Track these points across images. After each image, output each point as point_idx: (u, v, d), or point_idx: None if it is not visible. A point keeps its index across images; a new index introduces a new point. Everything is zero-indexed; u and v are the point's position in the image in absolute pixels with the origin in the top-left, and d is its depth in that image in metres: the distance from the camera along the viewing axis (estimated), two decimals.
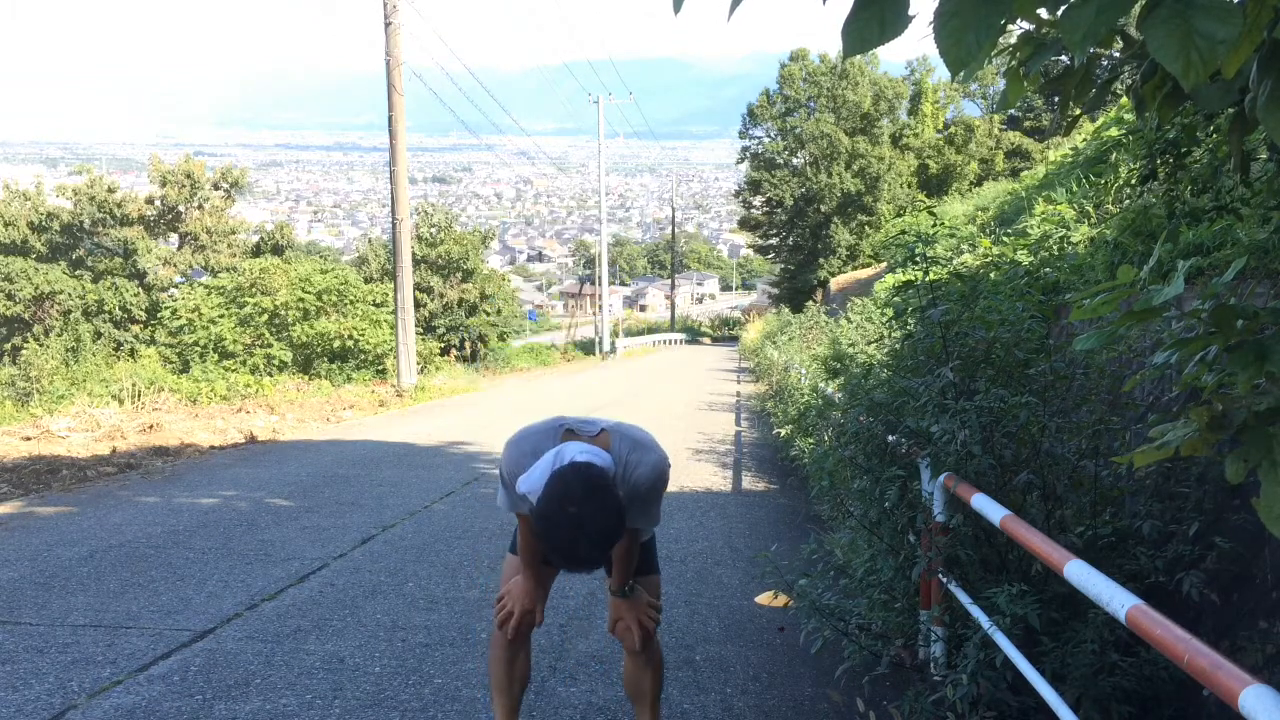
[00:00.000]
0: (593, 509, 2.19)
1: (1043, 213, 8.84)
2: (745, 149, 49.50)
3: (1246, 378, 1.76)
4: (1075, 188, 9.06)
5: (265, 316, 23.92)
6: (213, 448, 10.65)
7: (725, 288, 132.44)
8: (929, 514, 3.50)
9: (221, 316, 24.25)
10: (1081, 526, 3.20)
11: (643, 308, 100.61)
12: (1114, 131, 10.10)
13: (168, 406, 14.33)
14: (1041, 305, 6.00)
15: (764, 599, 5.01)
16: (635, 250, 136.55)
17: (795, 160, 47.26)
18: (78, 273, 30.55)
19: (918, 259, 4.21)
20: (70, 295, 29.15)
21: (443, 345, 30.30)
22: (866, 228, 42.86)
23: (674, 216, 70.60)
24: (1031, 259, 7.43)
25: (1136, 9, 1.58)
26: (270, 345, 23.73)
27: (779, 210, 47.49)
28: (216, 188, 33.28)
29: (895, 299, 4.17)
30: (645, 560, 2.88)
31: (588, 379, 25.85)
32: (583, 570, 2.31)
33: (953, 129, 45.41)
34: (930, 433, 3.51)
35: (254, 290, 24.31)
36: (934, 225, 17.74)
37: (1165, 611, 1.85)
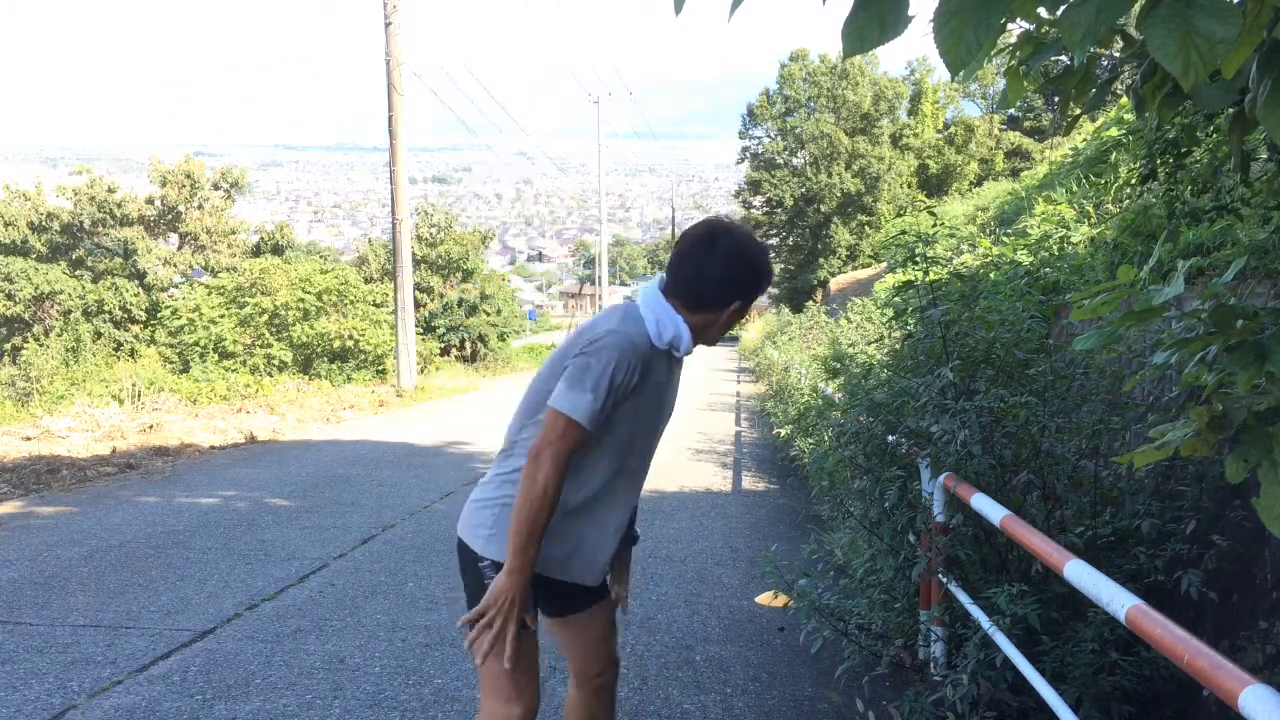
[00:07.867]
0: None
1: (1043, 213, 8.84)
2: (745, 149, 49.43)
3: (1246, 378, 1.76)
4: (1075, 188, 9.05)
5: (265, 316, 23.91)
6: (213, 448, 10.65)
7: None
8: (929, 514, 3.50)
9: (222, 316, 24.25)
10: (1081, 526, 3.20)
11: None
12: (1114, 131, 10.11)
13: (168, 406, 14.35)
14: (1041, 305, 6.00)
15: (764, 599, 5.01)
16: (635, 250, 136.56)
17: (795, 160, 47.20)
18: (78, 273, 30.49)
19: (918, 259, 4.19)
20: (70, 295, 29.10)
21: (443, 345, 30.23)
22: (866, 228, 42.83)
23: (674, 216, 70.55)
24: (1031, 259, 7.42)
25: (1136, 9, 1.58)
26: (270, 345, 23.72)
27: (779, 210, 47.42)
28: (216, 188, 33.23)
29: (895, 299, 4.17)
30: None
31: None
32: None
33: (953, 129, 45.36)
34: (930, 433, 3.51)
35: (254, 290, 24.31)
36: (934, 225, 17.73)
37: (1165, 611, 1.85)
